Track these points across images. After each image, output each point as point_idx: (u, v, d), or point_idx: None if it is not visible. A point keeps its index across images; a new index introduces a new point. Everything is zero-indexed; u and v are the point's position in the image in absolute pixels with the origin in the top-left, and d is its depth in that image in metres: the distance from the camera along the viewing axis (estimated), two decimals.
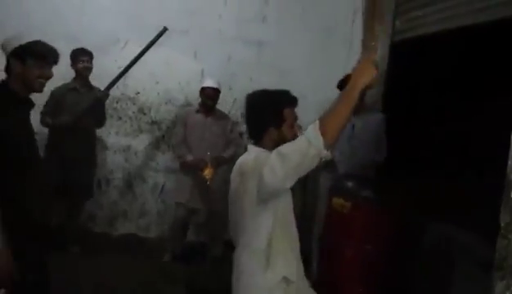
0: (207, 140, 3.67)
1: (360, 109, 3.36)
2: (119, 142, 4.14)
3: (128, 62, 4.02)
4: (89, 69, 3.67)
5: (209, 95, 3.66)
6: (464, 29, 3.01)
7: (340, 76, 4.22)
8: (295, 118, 1.82)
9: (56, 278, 3.00)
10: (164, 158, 4.21)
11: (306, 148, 1.52)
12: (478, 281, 2.19)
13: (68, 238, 3.71)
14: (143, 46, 4.04)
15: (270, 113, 1.79)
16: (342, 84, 3.44)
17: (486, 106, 3.64)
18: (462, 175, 3.43)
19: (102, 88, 4.02)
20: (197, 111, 3.76)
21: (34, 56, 1.91)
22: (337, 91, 4.21)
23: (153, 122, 4.16)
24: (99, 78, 4.00)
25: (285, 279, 1.69)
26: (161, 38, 4.02)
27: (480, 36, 3.25)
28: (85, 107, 3.48)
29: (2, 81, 1.94)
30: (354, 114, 3.30)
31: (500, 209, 1.86)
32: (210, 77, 3.79)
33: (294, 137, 1.68)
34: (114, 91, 4.05)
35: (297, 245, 1.82)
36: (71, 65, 3.60)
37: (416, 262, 2.87)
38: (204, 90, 3.69)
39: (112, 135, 4.12)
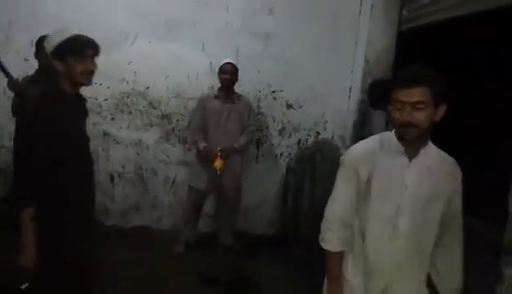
0: (223, 126, 3.70)
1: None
2: (131, 136, 4.20)
3: (136, 57, 4.08)
4: None
5: (226, 69, 3.67)
6: (473, 16, 2.99)
7: (348, 67, 4.26)
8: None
9: None
10: (175, 151, 4.27)
11: None
12: (488, 266, 2.22)
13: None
14: (152, 41, 4.10)
15: None
16: (371, 90, 3.48)
17: (496, 95, 3.63)
18: (473, 164, 3.43)
19: (111, 84, 4.09)
20: (216, 96, 3.77)
21: (72, 53, 1.92)
22: (344, 82, 4.25)
23: (163, 116, 4.21)
24: (108, 75, 4.06)
25: None
26: (170, 32, 4.08)
27: (490, 22, 3.23)
28: None
29: (55, 82, 1.99)
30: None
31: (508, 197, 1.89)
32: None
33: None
34: (124, 86, 4.12)
35: None
36: (36, 55, 3.39)
37: None
38: (221, 68, 3.71)
39: (123, 129, 4.17)
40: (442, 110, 1.56)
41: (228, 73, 3.70)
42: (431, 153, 1.65)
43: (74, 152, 1.99)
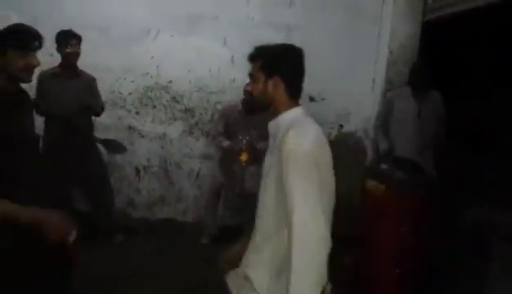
0: (244, 135, 3.70)
1: (419, 93, 3.35)
2: (155, 130, 4.26)
3: (159, 51, 4.13)
4: (77, 55, 3.41)
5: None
6: (500, 5, 2.91)
7: (371, 58, 4.19)
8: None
9: (95, 263, 3.18)
10: (198, 145, 4.31)
11: None
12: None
13: (110, 227, 3.79)
14: (174, 36, 4.13)
15: None
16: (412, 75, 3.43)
17: None
18: (500, 155, 3.36)
19: (135, 78, 4.15)
20: (239, 111, 3.77)
21: (14, 46, 1.67)
22: (367, 74, 4.19)
23: (186, 110, 4.25)
24: (132, 70, 4.13)
25: None
26: (192, 26, 4.10)
27: None
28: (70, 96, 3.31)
29: None
30: (417, 99, 3.34)
31: None
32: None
33: None
34: (147, 81, 4.18)
35: None
36: (57, 49, 3.37)
37: (453, 244, 2.86)
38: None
39: (148, 123, 4.24)
40: (275, 82, 1.55)
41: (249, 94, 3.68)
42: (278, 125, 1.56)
43: (16, 155, 1.72)
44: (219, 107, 4.23)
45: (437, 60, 3.60)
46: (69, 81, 3.43)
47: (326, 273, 1.50)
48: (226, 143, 3.73)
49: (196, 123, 4.28)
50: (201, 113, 4.27)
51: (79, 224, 1.67)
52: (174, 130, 4.28)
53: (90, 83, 3.60)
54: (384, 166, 3.05)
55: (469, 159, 3.41)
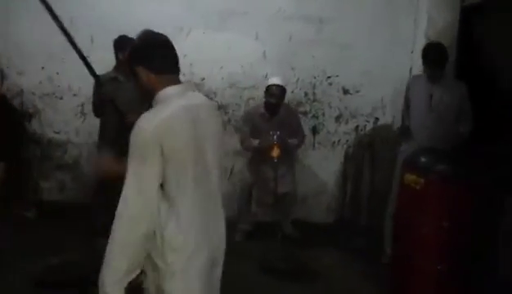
0: (274, 136, 3.65)
1: (438, 77, 3.22)
2: None
3: (191, 49, 4.14)
4: None
5: (274, 93, 3.64)
6: None
7: (407, 48, 4.06)
8: None
9: None
10: (232, 141, 4.29)
11: None
12: None
13: None
14: (206, 32, 4.14)
15: None
16: (425, 52, 3.28)
17: None
18: None
19: None
20: (262, 114, 3.75)
21: None
22: (403, 64, 4.05)
23: (219, 107, 4.25)
24: None
25: None
26: (223, 22, 4.10)
27: None
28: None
29: None
30: (432, 83, 3.22)
31: None
32: (276, 76, 3.76)
33: None
34: (181, 79, 4.19)
35: None
36: (115, 54, 3.44)
37: (496, 239, 2.73)
38: (268, 88, 3.68)
39: None
40: (141, 72, 1.56)
41: (274, 98, 3.64)
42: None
43: None
44: (252, 103, 4.21)
45: (478, 47, 3.44)
46: (127, 83, 3.36)
47: (141, 261, 1.47)
48: (255, 142, 3.71)
49: (229, 120, 4.28)
50: (234, 110, 4.26)
51: None
52: None
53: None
54: (423, 158, 2.92)
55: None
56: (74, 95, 4.22)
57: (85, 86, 3.71)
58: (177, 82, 1.60)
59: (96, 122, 3.57)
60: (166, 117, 1.45)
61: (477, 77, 3.45)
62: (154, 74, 1.55)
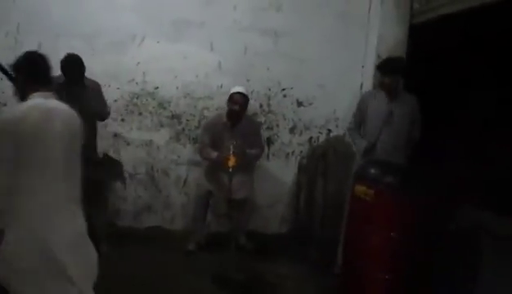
0: (231, 146, 3.65)
1: (395, 93, 3.33)
2: (141, 137, 4.19)
3: (145, 58, 4.08)
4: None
5: (237, 101, 3.64)
6: (487, 7, 2.92)
7: (359, 63, 4.19)
8: None
9: None
10: (186, 151, 4.25)
11: None
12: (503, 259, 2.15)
13: (97, 237, 3.75)
14: (160, 41, 4.09)
15: None
16: (381, 66, 3.40)
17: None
18: (487, 158, 3.35)
19: (121, 85, 4.09)
20: (224, 123, 3.74)
21: None
22: (355, 78, 4.18)
23: (173, 116, 4.19)
24: (117, 76, 4.07)
25: None
26: (178, 32, 4.06)
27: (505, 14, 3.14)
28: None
29: None
30: (390, 99, 3.33)
31: None
32: (238, 85, 3.79)
33: None
34: (133, 87, 4.12)
35: None
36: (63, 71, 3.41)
37: (443, 249, 2.83)
38: (231, 96, 3.67)
39: (134, 130, 4.17)
40: (20, 79, 1.97)
41: (238, 105, 3.65)
42: None
43: None
44: (206, 113, 4.18)
45: (425, 63, 3.60)
46: (76, 88, 3.43)
47: None
48: (214, 154, 3.68)
49: (183, 129, 4.22)
50: (188, 120, 4.21)
51: None
52: (161, 137, 4.22)
53: (96, 89, 3.63)
54: (372, 170, 3.00)
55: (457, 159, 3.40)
56: None
57: None
58: (46, 91, 1.92)
59: None
60: (17, 114, 1.76)
61: (424, 93, 3.59)
62: (28, 84, 1.91)
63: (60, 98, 3.29)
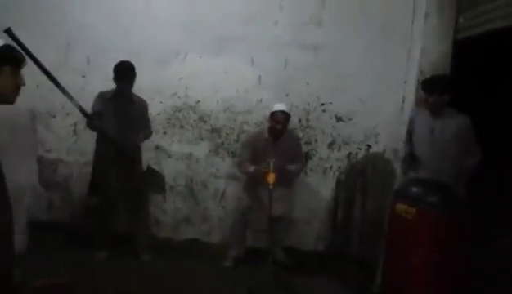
0: (271, 158, 3.64)
1: (439, 111, 3.22)
2: (182, 150, 4.28)
3: (187, 73, 4.18)
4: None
5: (278, 119, 3.64)
6: None
7: (400, 77, 4.12)
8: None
9: (122, 282, 3.19)
10: (224, 165, 4.30)
11: None
12: None
13: (140, 246, 3.86)
14: (202, 57, 4.19)
15: None
16: (425, 84, 3.31)
17: None
18: None
19: (164, 99, 4.21)
20: (266, 139, 3.76)
21: (10, 64, 1.58)
22: (396, 93, 4.10)
23: (213, 130, 4.26)
24: (161, 91, 4.19)
25: None
26: (220, 48, 4.15)
27: None
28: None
29: None
30: (434, 117, 3.23)
31: None
32: (280, 102, 3.79)
33: None
34: (175, 101, 4.23)
35: None
36: (113, 78, 3.55)
37: (487, 272, 2.72)
38: (273, 114, 3.68)
39: (175, 143, 4.27)
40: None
41: (280, 124, 3.64)
42: None
43: None
44: (246, 127, 4.22)
45: (470, 79, 3.49)
46: (126, 105, 3.63)
47: None
48: (251, 168, 3.70)
49: (222, 143, 4.28)
50: (227, 133, 4.27)
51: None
52: (200, 150, 4.29)
53: (143, 109, 3.79)
54: (415, 188, 2.92)
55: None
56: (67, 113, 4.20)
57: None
58: None
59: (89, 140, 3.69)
60: None
61: (471, 111, 3.46)
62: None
63: (108, 110, 3.51)
